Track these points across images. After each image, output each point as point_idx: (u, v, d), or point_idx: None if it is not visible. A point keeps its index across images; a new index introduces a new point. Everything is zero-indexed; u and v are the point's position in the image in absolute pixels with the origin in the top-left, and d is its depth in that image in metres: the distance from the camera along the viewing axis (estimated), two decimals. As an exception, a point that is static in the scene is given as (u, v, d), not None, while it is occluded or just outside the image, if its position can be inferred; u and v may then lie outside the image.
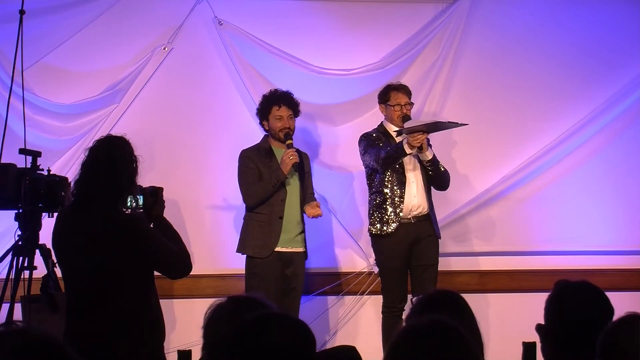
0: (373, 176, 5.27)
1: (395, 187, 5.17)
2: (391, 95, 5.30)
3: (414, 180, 5.20)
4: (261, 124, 5.30)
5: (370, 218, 5.26)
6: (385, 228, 5.18)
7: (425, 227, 5.20)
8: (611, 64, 6.12)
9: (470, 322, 2.47)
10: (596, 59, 6.12)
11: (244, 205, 5.25)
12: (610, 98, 6.06)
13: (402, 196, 5.16)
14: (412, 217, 5.18)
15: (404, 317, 5.19)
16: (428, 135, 5.10)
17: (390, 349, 1.84)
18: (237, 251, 5.24)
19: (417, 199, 5.18)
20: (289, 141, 5.15)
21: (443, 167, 5.22)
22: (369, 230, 5.29)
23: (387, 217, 5.17)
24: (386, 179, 5.18)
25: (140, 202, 3.70)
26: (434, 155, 5.17)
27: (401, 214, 5.15)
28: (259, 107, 5.30)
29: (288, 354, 1.85)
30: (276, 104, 5.20)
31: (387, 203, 5.16)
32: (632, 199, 6.05)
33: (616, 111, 6.06)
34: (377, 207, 5.20)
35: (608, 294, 2.68)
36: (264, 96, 5.30)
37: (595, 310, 2.59)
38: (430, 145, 5.23)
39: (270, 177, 5.12)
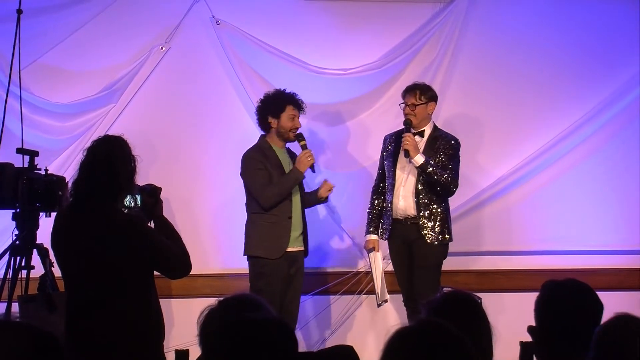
0: None
1: (388, 191, 5.28)
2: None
3: (401, 184, 5.22)
4: (267, 122, 5.17)
5: None
6: (384, 235, 5.32)
7: (414, 230, 5.19)
8: (609, 62, 6.12)
9: (478, 323, 2.47)
10: (594, 58, 6.12)
11: (247, 206, 5.18)
12: (608, 97, 6.06)
13: (392, 199, 5.23)
14: (402, 217, 5.23)
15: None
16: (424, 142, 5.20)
17: (383, 350, 1.85)
18: (245, 253, 5.14)
19: (403, 202, 5.21)
20: (302, 142, 5.16)
21: (438, 175, 5.11)
22: None
23: (383, 225, 5.31)
24: (386, 185, 5.32)
25: (139, 201, 3.69)
26: (424, 161, 5.10)
27: (392, 215, 5.23)
28: (270, 103, 5.16)
29: (268, 354, 1.86)
30: (292, 104, 5.14)
31: (387, 210, 5.28)
32: (630, 199, 6.05)
33: (614, 110, 6.06)
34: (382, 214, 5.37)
35: (606, 293, 2.69)
36: (277, 94, 5.18)
37: (585, 308, 2.60)
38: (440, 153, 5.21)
39: (283, 178, 5.09)
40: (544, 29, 6.08)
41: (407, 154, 5.12)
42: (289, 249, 5.12)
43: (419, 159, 5.10)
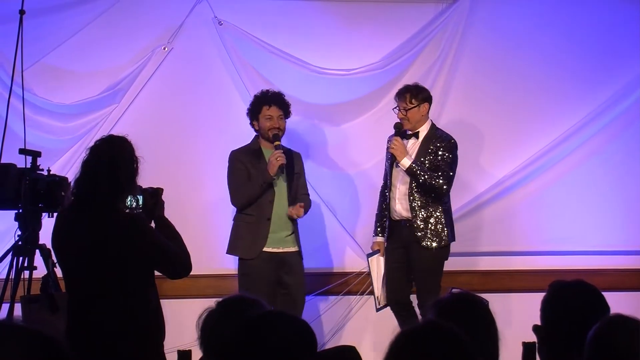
0: None
1: (387, 192, 5.28)
2: None
3: (396, 185, 5.22)
4: (252, 124, 5.25)
5: None
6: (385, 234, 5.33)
7: (410, 232, 5.17)
8: (610, 64, 6.12)
9: (485, 327, 2.47)
10: (595, 60, 6.12)
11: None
12: (609, 98, 6.06)
13: (389, 200, 5.24)
14: (399, 219, 5.23)
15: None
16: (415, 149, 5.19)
17: (387, 351, 1.85)
18: (227, 252, 5.24)
19: (398, 204, 5.21)
20: (276, 142, 5.13)
21: (426, 178, 5.08)
22: None
23: (384, 225, 5.31)
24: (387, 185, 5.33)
25: (140, 202, 3.69)
26: (410, 165, 5.10)
27: (390, 216, 5.25)
28: (249, 107, 5.26)
29: (290, 352, 1.85)
30: (266, 104, 5.16)
31: (386, 210, 5.29)
32: (631, 200, 6.05)
33: (615, 112, 6.06)
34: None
35: (607, 294, 2.69)
36: (255, 96, 5.26)
37: (591, 309, 2.60)
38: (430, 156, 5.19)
39: (257, 178, 5.10)
40: (546, 31, 6.08)
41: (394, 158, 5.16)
42: (272, 250, 5.10)
43: (406, 163, 5.11)
